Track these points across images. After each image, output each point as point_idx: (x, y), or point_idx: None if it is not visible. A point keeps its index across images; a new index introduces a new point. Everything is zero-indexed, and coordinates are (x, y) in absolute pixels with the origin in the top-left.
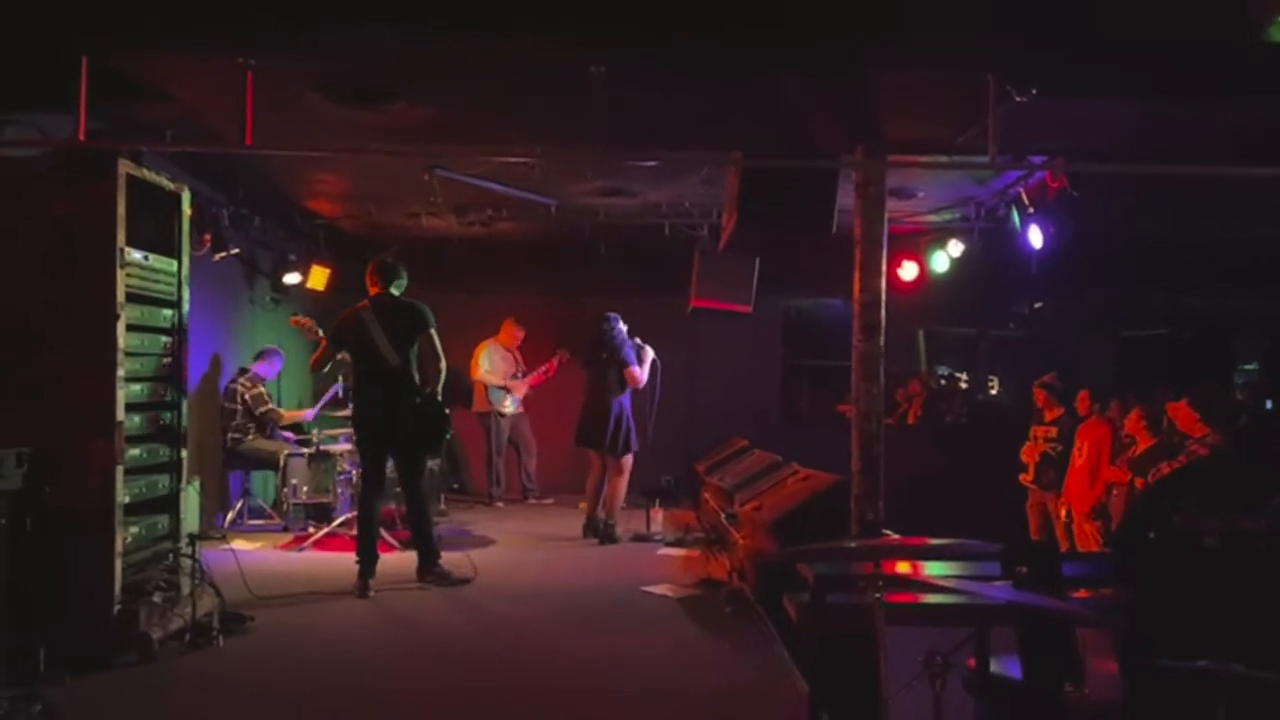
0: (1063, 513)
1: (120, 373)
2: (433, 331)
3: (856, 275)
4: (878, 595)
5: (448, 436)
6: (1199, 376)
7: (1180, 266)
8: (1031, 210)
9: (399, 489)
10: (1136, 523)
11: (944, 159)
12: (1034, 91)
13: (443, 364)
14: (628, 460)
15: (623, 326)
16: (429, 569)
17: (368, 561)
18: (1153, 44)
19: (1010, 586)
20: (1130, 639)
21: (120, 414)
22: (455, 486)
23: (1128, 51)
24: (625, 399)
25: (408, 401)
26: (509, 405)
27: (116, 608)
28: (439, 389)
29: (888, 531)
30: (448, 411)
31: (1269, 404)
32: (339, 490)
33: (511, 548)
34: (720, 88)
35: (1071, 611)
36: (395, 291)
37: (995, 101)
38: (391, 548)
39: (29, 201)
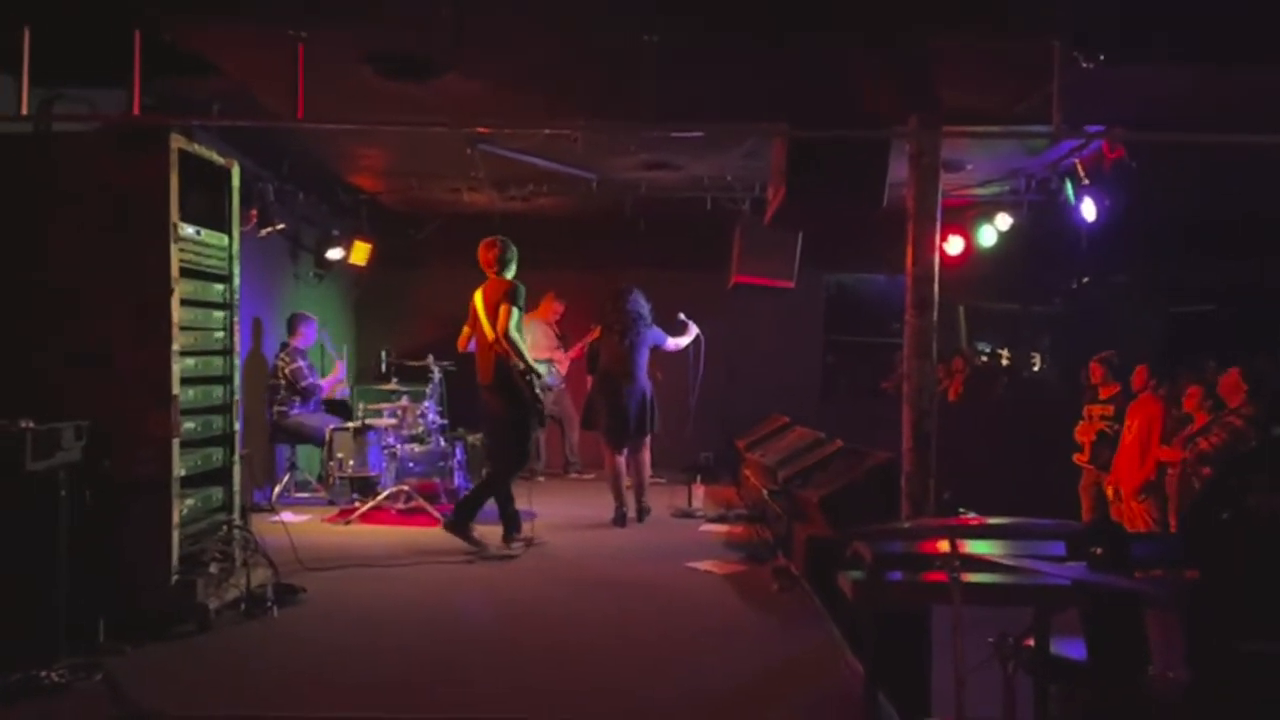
0: (1110, 491)
1: (175, 346)
2: (512, 307)
3: (909, 250)
4: (955, 575)
5: (539, 406)
6: (1247, 351)
7: (1230, 239)
8: (1086, 182)
9: (441, 463)
10: (1208, 502)
11: (999, 128)
12: (1101, 58)
13: (514, 336)
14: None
15: (644, 301)
16: (512, 536)
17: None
18: (1228, 5)
19: (1084, 568)
20: (1202, 621)
21: (176, 387)
22: None
23: (1201, 14)
24: (647, 376)
25: (505, 373)
26: (551, 380)
27: (174, 578)
28: (527, 361)
29: (962, 510)
30: (539, 390)
31: None
32: (383, 464)
33: (555, 522)
34: (773, 54)
35: (1150, 593)
36: (507, 274)
37: (1061, 68)
38: (435, 521)
39: (87, 174)
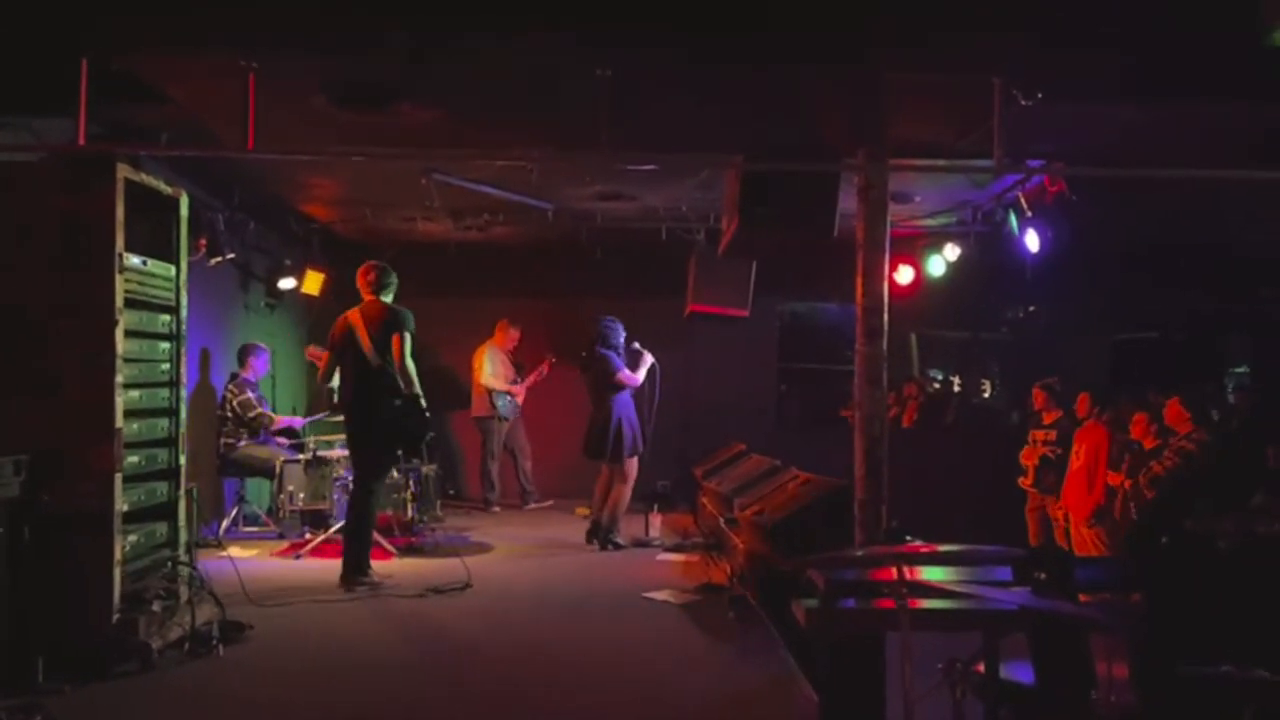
0: (1060, 517)
1: (119, 378)
2: (404, 334)
3: (859, 280)
4: (902, 601)
5: (427, 438)
6: (1191, 379)
7: (1173, 270)
8: (1030, 214)
9: (395, 495)
10: (1149, 527)
11: (943, 163)
12: (1039, 95)
13: (409, 365)
14: (631, 466)
15: (618, 327)
16: (357, 578)
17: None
18: (1161, 46)
19: (1029, 592)
20: (1146, 644)
21: (119, 420)
22: (451, 492)
23: (1135, 55)
24: (620, 402)
25: (388, 400)
26: (508, 409)
27: (116, 616)
28: (417, 391)
29: (909, 538)
30: (428, 415)
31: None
32: (335, 496)
33: (510, 553)
34: (726, 87)
35: (1093, 618)
36: (386, 298)
37: (1001, 104)
38: (389, 554)
39: (31, 204)
